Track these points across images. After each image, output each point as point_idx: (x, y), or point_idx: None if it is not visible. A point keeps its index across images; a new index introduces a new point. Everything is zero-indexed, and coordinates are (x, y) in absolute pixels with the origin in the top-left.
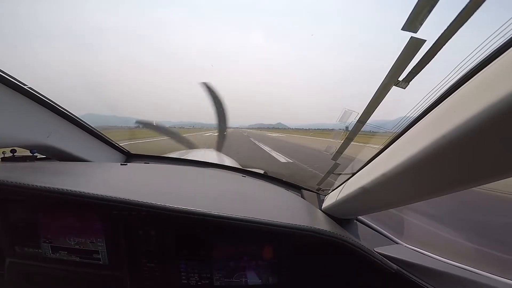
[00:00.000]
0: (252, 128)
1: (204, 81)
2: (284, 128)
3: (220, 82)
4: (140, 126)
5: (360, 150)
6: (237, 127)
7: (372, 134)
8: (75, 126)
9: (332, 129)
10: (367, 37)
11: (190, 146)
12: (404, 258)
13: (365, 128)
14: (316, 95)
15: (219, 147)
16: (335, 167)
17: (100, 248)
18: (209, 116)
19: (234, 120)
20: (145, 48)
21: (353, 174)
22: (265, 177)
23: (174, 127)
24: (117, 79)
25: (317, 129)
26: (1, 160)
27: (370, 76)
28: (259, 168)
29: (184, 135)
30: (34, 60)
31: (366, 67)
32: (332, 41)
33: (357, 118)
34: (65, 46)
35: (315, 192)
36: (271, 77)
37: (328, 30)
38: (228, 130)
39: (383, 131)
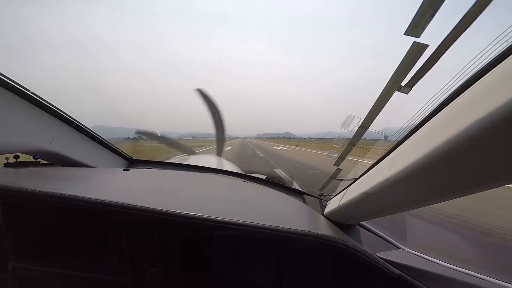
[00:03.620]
0: (260, 138)
1: (209, 92)
2: (292, 138)
3: (226, 93)
4: (143, 136)
5: (362, 155)
6: (244, 138)
7: (371, 143)
8: (77, 132)
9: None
10: (374, 44)
11: (191, 152)
12: (406, 263)
13: (367, 135)
14: (323, 103)
15: (219, 153)
16: (337, 172)
17: (103, 253)
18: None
19: (240, 131)
20: (149, 58)
21: (356, 180)
22: (267, 182)
23: (182, 138)
24: (123, 89)
25: (323, 138)
26: (4, 166)
27: (377, 82)
28: (261, 173)
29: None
30: (39, 70)
31: (373, 73)
32: (338, 49)
33: (359, 124)
34: (70, 56)
35: (317, 198)
36: (278, 87)
37: (334, 39)
38: (237, 141)
39: (385, 139)
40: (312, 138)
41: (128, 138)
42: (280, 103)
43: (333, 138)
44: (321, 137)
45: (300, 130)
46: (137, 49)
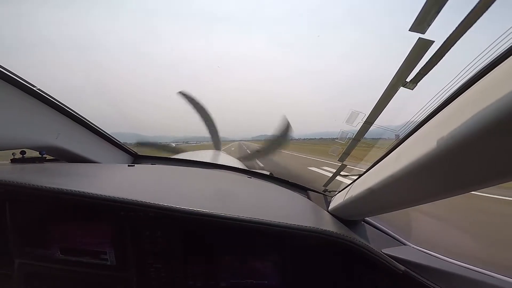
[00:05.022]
0: (256, 140)
1: (205, 92)
2: (290, 140)
3: (222, 93)
4: (185, 99)
5: (367, 151)
6: (240, 140)
7: (374, 142)
8: (83, 128)
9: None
10: (375, 40)
11: (217, 146)
12: (411, 259)
13: (372, 134)
14: (322, 103)
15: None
16: (342, 168)
17: (108, 249)
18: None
19: (236, 132)
20: (147, 58)
21: (360, 175)
22: (271, 178)
23: (179, 143)
24: (122, 90)
25: (321, 138)
26: (11, 162)
27: (378, 79)
28: (265, 170)
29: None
30: (40, 71)
31: (376, 71)
32: (338, 46)
33: (364, 119)
34: (69, 55)
35: (322, 194)
36: (274, 87)
37: (334, 35)
38: (232, 147)
39: (389, 136)
40: (313, 138)
41: None
42: (278, 103)
43: (335, 138)
44: (319, 137)
45: (297, 130)
46: (133, 49)
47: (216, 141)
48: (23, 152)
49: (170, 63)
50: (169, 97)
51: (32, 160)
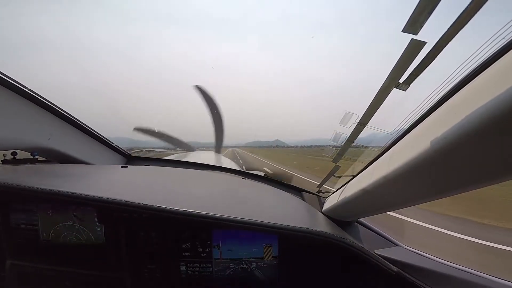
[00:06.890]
0: (249, 146)
1: (195, 100)
2: (282, 146)
3: (217, 97)
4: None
5: (361, 152)
6: (234, 146)
7: (368, 142)
8: (75, 129)
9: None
10: (367, 42)
11: (190, 149)
12: (404, 260)
13: (365, 134)
14: (315, 109)
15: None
16: (336, 169)
17: (101, 249)
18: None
19: (229, 139)
20: (139, 60)
21: (354, 176)
22: (265, 179)
23: (164, 150)
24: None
25: (316, 145)
26: (2, 163)
27: (371, 82)
28: (259, 170)
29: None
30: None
31: (366, 73)
32: (330, 50)
33: (357, 120)
34: (64, 59)
35: (316, 195)
36: (267, 93)
37: (326, 40)
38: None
39: (382, 137)
40: (310, 146)
41: None
42: (269, 109)
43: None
44: (315, 145)
45: (290, 137)
46: (127, 51)
47: (218, 145)
48: (14, 153)
49: (164, 65)
50: (159, 101)
51: (24, 161)
